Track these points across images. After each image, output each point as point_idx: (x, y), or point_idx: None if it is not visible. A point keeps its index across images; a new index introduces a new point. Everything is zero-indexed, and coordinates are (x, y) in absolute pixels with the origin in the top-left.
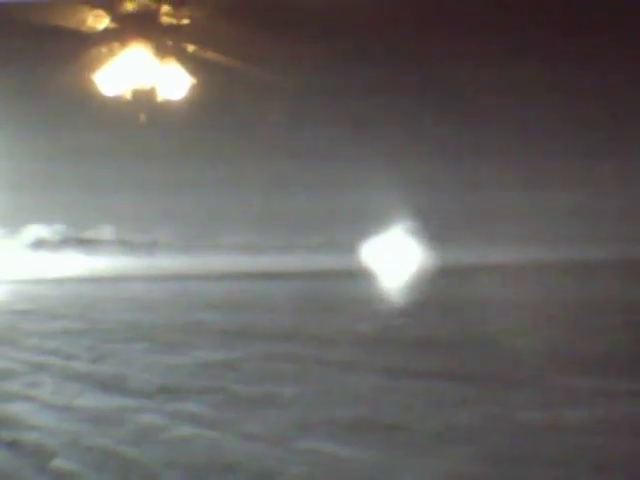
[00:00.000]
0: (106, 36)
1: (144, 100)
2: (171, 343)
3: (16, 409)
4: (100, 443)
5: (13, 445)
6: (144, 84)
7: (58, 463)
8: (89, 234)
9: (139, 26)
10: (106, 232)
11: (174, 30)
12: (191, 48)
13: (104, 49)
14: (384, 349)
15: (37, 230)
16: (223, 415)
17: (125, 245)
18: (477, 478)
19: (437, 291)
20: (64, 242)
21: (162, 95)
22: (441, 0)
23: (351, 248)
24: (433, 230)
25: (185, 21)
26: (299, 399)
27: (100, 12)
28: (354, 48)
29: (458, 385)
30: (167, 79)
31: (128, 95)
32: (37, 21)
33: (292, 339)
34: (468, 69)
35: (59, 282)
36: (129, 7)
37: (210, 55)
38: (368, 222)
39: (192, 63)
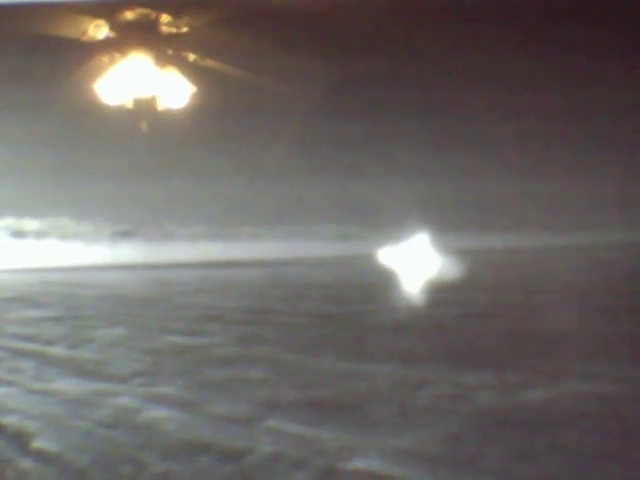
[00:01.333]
0: (106, 45)
1: (145, 109)
2: (145, 328)
3: None
4: (78, 425)
5: None
6: (144, 93)
7: (38, 444)
8: (67, 225)
9: (139, 35)
10: (83, 223)
11: (174, 39)
12: (192, 57)
13: (104, 58)
14: (349, 333)
15: (17, 221)
16: (195, 397)
17: (101, 234)
18: (437, 456)
19: (396, 277)
20: (43, 232)
21: (163, 104)
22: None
23: (325, 236)
24: (396, 216)
25: (185, 30)
26: (267, 381)
27: (100, 21)
28: (356, 55)
29: (418, 367)
30: (168, 88)
31: (129, 104)
32: (37, 30)
33: (261, 324)
34: (467, 59)
35: (38, 271)
36: (129, 16)
37: (211, 63)
38: (346, 212)
39: (193, 72)
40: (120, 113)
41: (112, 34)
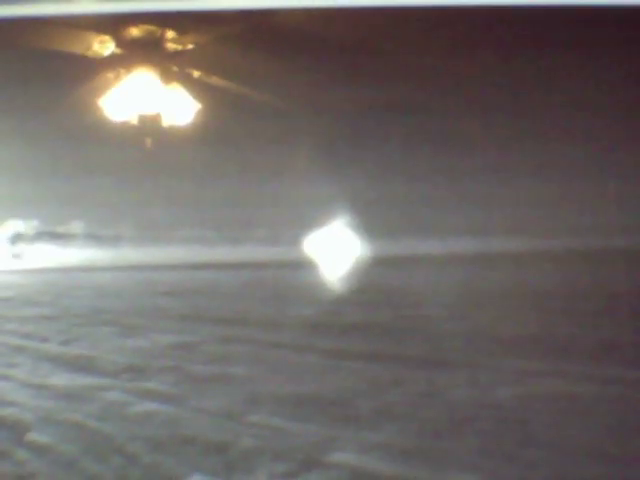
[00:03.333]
0: (111, 61)
1: (149, 125)
2: (134, 327)
3: None
4: (70, 418)
5: None
6: (149, 109)
7: (33, 436)
8: (61, 228)
9: (144, 52)
10: (76, 226)
11: (179, 56)
12: (196, 74)
13: (109, 74)
14: (326, 333)
15: (15, 225)
16: (180, 392)
17: (93, 238)
18: (413, 450)
19: (375, 279)
20: (39, 236)
21: (167, 120)
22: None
23: (294, 240)
24: (371, 221)
25: (190, 47)
26: (249, 378)
27: (105, 38)
28: (360, 71)
29: (393, 366)
30: (172, 104)
31: (134, 120)
32: (43, 46)
33: (243, 323)
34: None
35: (34, 272)
36: (134, 33)
37: (215, 80)
38: (309, 215)
39: (197, 88)
40: (125, 129)
41: (117, 50)
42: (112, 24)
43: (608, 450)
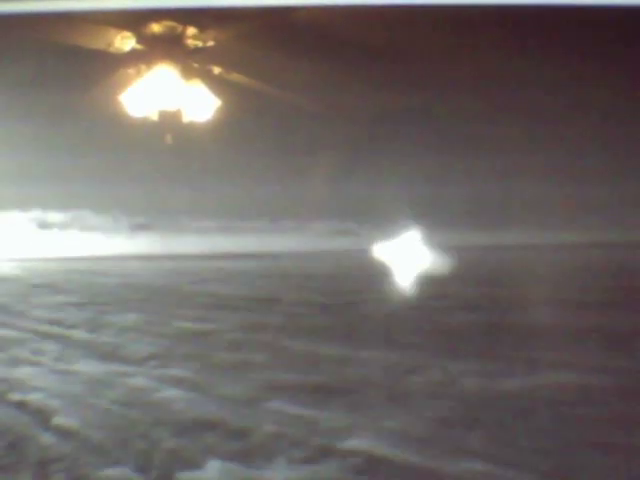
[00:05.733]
0: (132, 58)
1: (170, 121)
2: (159, 315)
3: (23, 373)
4: (96, 403)
5: (20, 405)
6: (170, 105)
7: (59, 420)
8: (89, 218)
9: (165, 48)
10: (103, 216)
11: (200, 52)
12: (217, 70)
13: (131, 70)
14: (346, 320)
15: (45, 214)
16: (203, 379)
17: (120, 228)
18: (426, 437)
19: (394, 269)
20: (68, 224)
21: (188, 116)
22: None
23: (319, 232)
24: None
25: (211, 43)
26: (270, 365)
27: (127, 34)
28: (380, 70)
29: (409, 355)
30: (193, 101)
31: (154, 116)
32: (65, 42)
33: (264, 311)
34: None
35: (62, 260)
36: (155, 30)
37: (236, 77)
38: (335, 210)
39: (218, 85)
40: (145, 125)
41: (138, 47)
42: (133, 21)
43: (616, 441)
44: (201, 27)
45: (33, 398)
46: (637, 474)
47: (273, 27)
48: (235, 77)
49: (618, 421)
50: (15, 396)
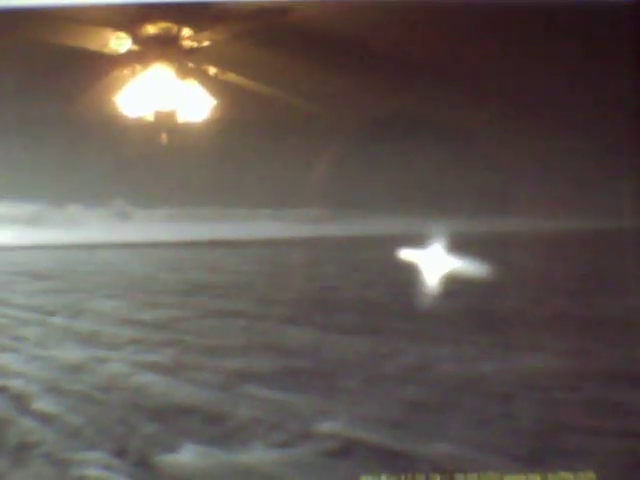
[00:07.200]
0: (128, 58)
1: (165, 121)
2: (138, 301)
3: (3, 359)
4: (76, 388)
5: (1, 390)
6: (165, 106)
7: (39, 405)
8: (69, 209)
9: (161, 48)
10: (84, 206)
11: (195, 52)
12: (212, 70)
13: (126, 71)
14: (320, 308)
15: (28, 204)
16: (180, 364)
17: (99, 217)
18: (402, 421)
19: (368, 257)
20: (49, 214)
21: (183, 117)
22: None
23: (296, 219)
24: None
25: (206, 43)
26: (245, 350)
27: (122, 34)
28: (379, 69)
29: (384, 340)
30: (188, 101)
31: (150, 117)
32: (59, 43)
33: (240, 298)
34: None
35: (43, 248)
36: (151, 30)
37: (231, 77)
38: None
39: (213, 85)
40: (141, 125)
41: (134, 46)
42: (129, 20)
43: (591, 424)
44: (197, 27)
45: (14, 384)
46: (611, 456)
47: (270, 27)
48: (231, 77)
49: (592, 404)
50: None
